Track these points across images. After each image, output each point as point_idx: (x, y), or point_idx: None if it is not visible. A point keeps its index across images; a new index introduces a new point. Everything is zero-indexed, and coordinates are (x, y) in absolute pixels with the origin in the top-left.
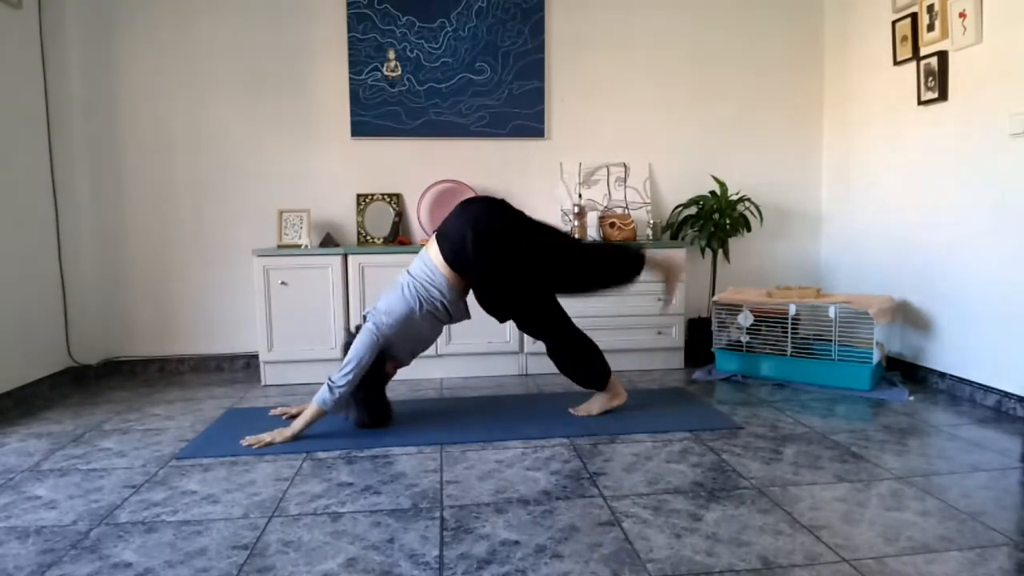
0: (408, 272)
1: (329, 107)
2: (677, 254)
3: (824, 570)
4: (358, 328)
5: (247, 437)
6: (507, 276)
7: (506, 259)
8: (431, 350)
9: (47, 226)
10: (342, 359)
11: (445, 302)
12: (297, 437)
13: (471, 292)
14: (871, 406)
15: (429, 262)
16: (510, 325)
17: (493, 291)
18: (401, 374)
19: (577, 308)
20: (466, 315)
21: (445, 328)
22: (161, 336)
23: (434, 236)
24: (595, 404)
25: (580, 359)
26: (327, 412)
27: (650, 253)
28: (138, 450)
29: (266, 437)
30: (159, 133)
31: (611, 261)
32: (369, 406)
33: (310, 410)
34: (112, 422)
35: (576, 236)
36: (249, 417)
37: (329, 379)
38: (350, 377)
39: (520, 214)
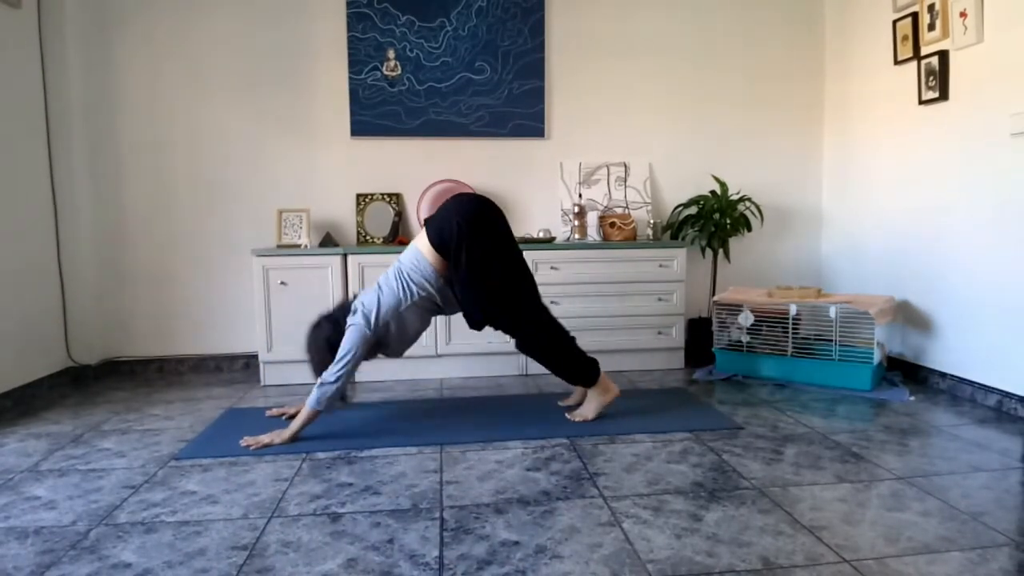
0: (399, 261)
1: (329, 107)
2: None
3: (825, 571)
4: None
5: (245, 438)
6: (479, 264)
7: (483, 249)
8: (430, 350)
9: (46, 226)
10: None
11: (432, 289)
12: (295, 438)
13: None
14: (872, 406)
15: (416, 251)
16: None
17: (463, 275)
18: (401, 374)
19: (577, 308)
20: (457, 305)
21: (445, 328)
22: (160, 336)
23: (424, 223)
24: (590, 407)
25: (562, 352)
26: (321, 412)
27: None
28: (137, 450)
29: (264, 438)
30: (158, 133)
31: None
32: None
33: (304, 412)
34: (111, 422)
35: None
36: (248, 417)
37: (321, 378)
38: (343, 372)
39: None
